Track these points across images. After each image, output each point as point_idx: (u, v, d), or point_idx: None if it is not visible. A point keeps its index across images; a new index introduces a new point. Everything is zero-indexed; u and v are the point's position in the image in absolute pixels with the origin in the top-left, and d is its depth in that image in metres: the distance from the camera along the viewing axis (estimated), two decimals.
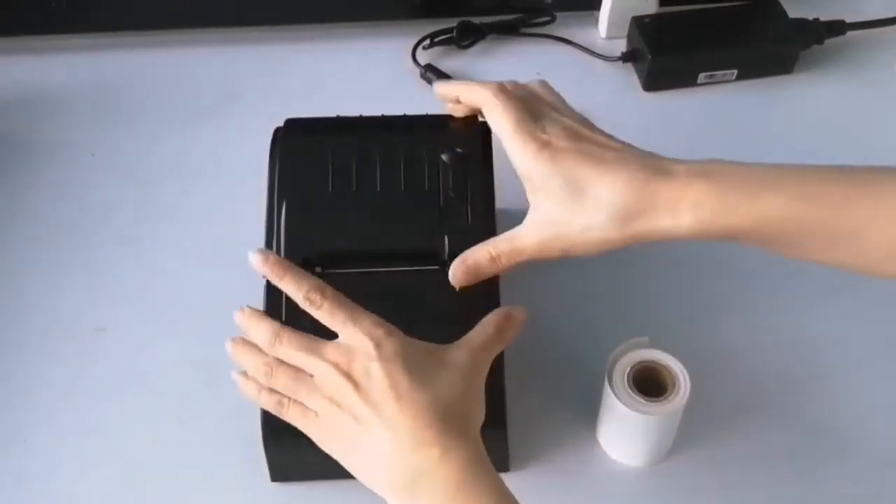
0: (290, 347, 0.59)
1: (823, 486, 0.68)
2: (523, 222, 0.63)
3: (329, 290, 0.59)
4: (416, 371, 0.57)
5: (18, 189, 0.84)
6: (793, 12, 0.91)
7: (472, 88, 0.66)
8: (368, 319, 0.58)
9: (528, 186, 0.62)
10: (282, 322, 0.61)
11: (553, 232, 0.61)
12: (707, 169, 0.59)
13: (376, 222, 0.66)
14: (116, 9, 0.95)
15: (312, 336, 0.59)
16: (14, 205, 0.83)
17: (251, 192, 0.80)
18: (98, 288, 0.77)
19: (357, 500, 0.59)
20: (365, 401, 0.56)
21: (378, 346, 0.57)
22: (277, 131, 0.71)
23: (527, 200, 0.63)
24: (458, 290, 0.64)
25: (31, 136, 0.88)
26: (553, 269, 0.78)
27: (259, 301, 0.65)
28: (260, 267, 0.61)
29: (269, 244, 0.67)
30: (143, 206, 0.83)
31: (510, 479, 0.57)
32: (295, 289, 0.60)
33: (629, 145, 0.63)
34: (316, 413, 0.58)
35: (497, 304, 0.65)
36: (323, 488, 0.62)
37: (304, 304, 0.59)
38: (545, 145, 0.61)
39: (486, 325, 0.62)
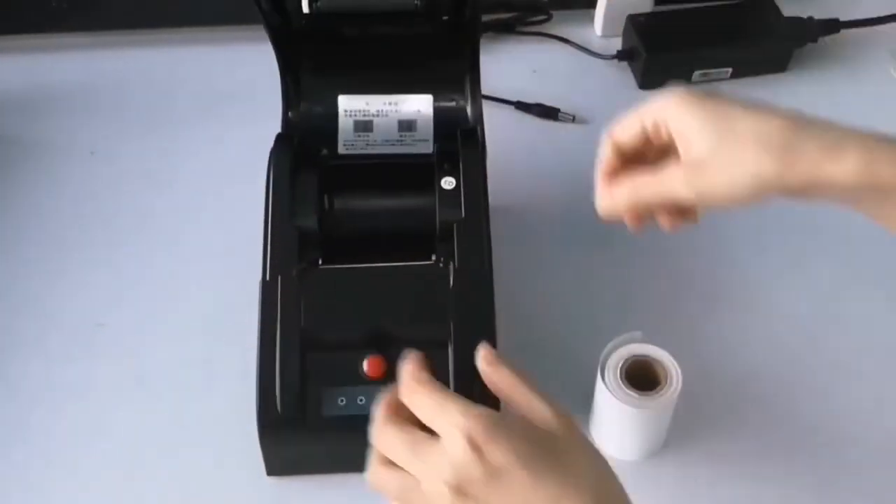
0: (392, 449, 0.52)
1: (817, 480, 0.68)
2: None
3: (423, 375, 0.53)
4: (540, 467, 0.49)
5: (18, 187, 0.84)
6: (787, 10, 0.92)
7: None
8: (456, 409, 0.50)
9: None
10: (278, 326, 0.62)
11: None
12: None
13: None
14: (116, 8, 0.95)
15: (413, 436, 0.51)
16: (13, 203, 0.83)
17: (251, 190, 0.80)
18: (97, 286, 0.78)
19: (350, 494, 0.59)
20: None
21: (478, 451, 0.49)
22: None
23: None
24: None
25: (31, 135, 0.88)
26: (548, 265, 0.79)
27: (256, 300, 0.66)
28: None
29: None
30: (143, 205, 0.83)
31: None
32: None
33: None
34: None
35: (491, 299, 0.64)
36: (318, 481, 0.63)
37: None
38: None
39: (517, 382, 0.55)
